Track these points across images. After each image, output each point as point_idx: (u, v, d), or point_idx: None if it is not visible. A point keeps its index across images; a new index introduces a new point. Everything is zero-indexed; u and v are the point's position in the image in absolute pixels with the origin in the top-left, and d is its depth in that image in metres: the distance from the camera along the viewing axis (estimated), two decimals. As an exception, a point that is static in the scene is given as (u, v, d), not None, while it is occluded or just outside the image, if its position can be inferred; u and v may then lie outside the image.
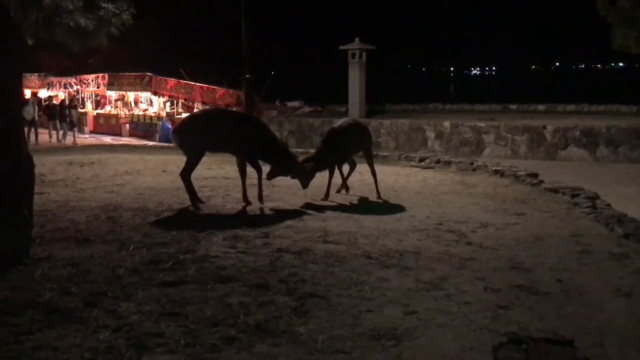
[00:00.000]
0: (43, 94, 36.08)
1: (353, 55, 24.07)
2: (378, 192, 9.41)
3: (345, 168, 9.86)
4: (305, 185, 8.97)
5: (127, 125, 30.81)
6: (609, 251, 6.30)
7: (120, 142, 23.99)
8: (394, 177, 11.41)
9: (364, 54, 24.15)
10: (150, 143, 24.06)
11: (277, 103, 31.02)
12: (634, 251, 6.22)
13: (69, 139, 24.56)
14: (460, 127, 20.38)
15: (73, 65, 35.58)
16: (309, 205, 8.50)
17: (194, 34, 39.97)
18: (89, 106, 33.20)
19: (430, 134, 20.98)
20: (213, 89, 28.21)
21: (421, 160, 13.76)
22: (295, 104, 30.37)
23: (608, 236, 6.92)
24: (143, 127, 30.00)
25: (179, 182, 9.96)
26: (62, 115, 25.89)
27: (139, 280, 5.03)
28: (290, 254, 5.92)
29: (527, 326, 4.41)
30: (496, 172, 11.62)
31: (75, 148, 19.82)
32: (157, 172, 11.85)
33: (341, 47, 24.51)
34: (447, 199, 9.29)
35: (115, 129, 30.29)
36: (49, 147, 21.33)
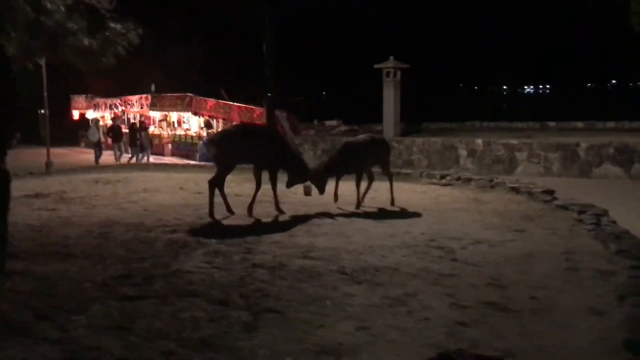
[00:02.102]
0: (90, 114, 37.03)
1: (387, 74, 24.02)
2: (392, 200, 10.16)
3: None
4: (321, 190, 9.84)
5: (170, 145, 31.38)
6: (597, 268, 6.10)
7: (161, 162, 24.48)
8: (408, 195, 11.29)
9: (399, 72, 24.08)
10: (192, 162, 24.50)
11: (316, 122, 31.18)
12: (622, 268, 6.00)
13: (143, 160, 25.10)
14: (492, 145, 20.09)
15: (118, 87, 36.39)
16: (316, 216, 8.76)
17: (234, 56, 40.53)
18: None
19: (463, 152, 20.73)
20: (251, 108, 28.46)
21: (442, 177, 13.60)
22: (333, 123, 30.47)
23: (602, 253, 6.70)
24: (185, 146, 30.50)
25: (190, 199, 10.15)
26: (133, 138, 26.57)
27: (101, 295, 5.08)
28: (264, 270, 5.90)
29: (480, 344, 4.29)
30: (513, 189, 11.40)
31: (111, 167, 20.18)
32: (175, 190, 12.00)
33: (376, 66, 24.49)
34: (452, 215, 9.15)
35: (158, 148, 30.84)
36: (90, 165, 21.71)
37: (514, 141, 19.83)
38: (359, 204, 9.87)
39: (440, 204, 10.22)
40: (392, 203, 10.12)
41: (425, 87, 38.73)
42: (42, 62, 19.74)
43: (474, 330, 4.55)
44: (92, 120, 32.40)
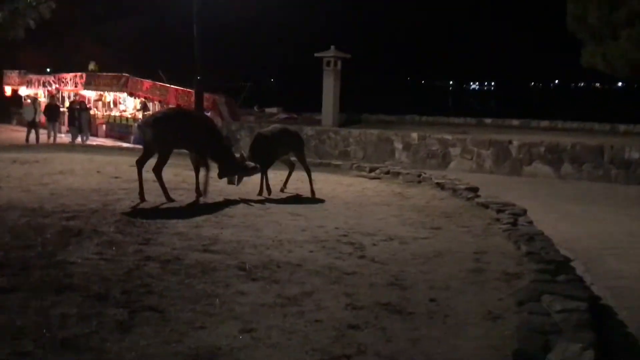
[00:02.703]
0: (23, 91, 35.79)
1: (328, 63, 23.77)
2: (312, 192, 10.02)
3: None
4: (238, 183, 9.67)
5: (104, 126, 30.53)
6: (504, 271, 5.96)
7: (93, 143, 23.76)
8: (333, 187, 11.08)
9: (339, 62, 23.85)
10: (124, 145, 23.80)
11: (256, 109, 30.75)
12: (529, 271, 5.86)
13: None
14: (427, 139, 20.08)
15: (53, 63, 35.25)
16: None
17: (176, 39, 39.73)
18: (66, 104, 32.82)
19: (398, 145, 20.68)
20: (188, 92, 27.84)
21: (371, 170, 13.41)
22: (273, 110, 30.10)
23: (512, 254, 6.57)
24: (119, 128, 29.70)
25: (104, 184, 9.74)
26: (72, 118, 25.62)
27: (-32, 285, 4.68)
28: (156, 263, 5.57)
29: (367, 349, 4.07)
30: (438, 184, 11.29)
31: (34, 147, 19.40)
32: (92, 173, 11.48)
33: (316, 55, 24.20)
34: (372, 210, 8.96)
35: (93, 129, 29.89)
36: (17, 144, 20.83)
37: (449, 136, 19.85)
38: (261, 191, 9.80)
39: (363, 198, 10.02)
40: (313, 195, 9.97)
41: (369, 79, 38.57)
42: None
43: (364, 334, 4.33)
44: (29, 97, 31.28)
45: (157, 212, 7.96)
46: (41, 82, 34.27)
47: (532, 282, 5.38)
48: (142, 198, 8.60)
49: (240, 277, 5.35)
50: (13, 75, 36.33)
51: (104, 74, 30.77)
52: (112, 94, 31.10)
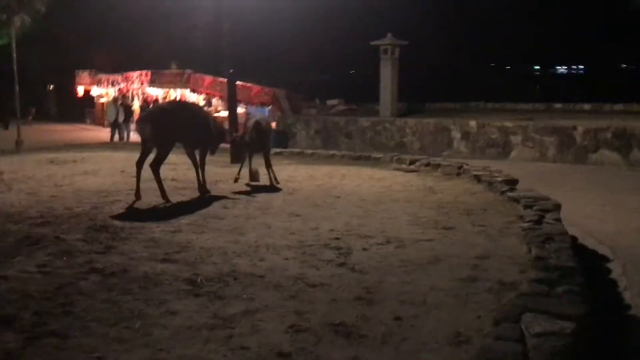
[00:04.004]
0: (95, 91, 36.48)
1: (385, 51, 22.92)
2: (271, 180, 9.94)
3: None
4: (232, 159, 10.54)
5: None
6: (500, 280, 5.12)
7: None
8: (359, 182, 10.38)
9: (397, 49, 22.96)
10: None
11: (317, 102, 30.14)
12: (527, 281, 5.00)
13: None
14: (487, 128, 18.95)
15: (125, 62, 35.65)
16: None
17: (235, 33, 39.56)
18: (135, 103, 33.13)
19: (456, 135, 19.64)
20: (249, 87, 27.56)
21: (411, 163, 12.60)
22: (334, 102, 29.39)
23: (519, 259, 5.70)
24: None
25: (119, 184, 9.46)
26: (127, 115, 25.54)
27: None
28: (98, 276, 5.03)
29: (282, 386, 3.38)
30: (475, 177, 10.39)
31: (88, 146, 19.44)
32: (115, 173, 11.19)
33: (372, 43, 23.39)
34: (387, 207, 8.20)
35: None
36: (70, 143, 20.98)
37: (509, 124, 18.67)
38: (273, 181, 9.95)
39: (385, 194, 9.26)
40: (273, 181, 9.97)
41: (439, 64, 37.25)
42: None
43: (291, 365, 3.64)
44: (111, 98, 31.64)
45: (141, 214, 7.47)
46: (110, 81, 34.76)
47: (519, 296, 4.53)
48: (138, 196, 8.23)
49: (182, 293, 4.73)
50: (84, 75, 37.04)
51: (168, 71, 30.88)
52: (177, 90, 31.16)
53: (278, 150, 15.90)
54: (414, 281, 5.14)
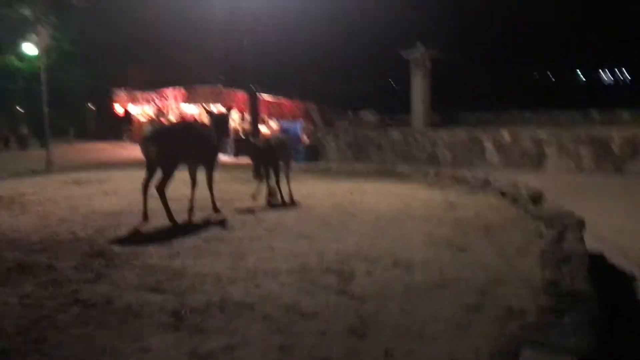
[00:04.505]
0: (131, 109, 36.83)
1: (416, 62, 22.59)
2: (284, 198, 9.85)
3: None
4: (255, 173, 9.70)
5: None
6: (509, 307, 4.75)
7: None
8: (378, 198, 10.10)
9: (428, 59, 22.61)
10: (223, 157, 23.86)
11: (350, 114, 29.92)
12: (539, 309, 4.61)
13: None
14: (520, 138, 18.40)
15: (158, 79, 35.95)
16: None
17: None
18: (171, 120, 33.36)
19: (489, 146, 19.14)
20: (279, 102, 27.53)
21: (436, 176, 12.23)
22: (367, 113, 29.13)
23: (532, 284, 5.30)
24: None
25: (129, 206, 9.29)
26: None
27: None
28: (79, 308, 4.78)
29: None
30: (500, 192, 9.98)
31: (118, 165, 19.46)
32: (134, 193, 10.94)
33: (402, 53, 23.09)
34: (403, 226, 7.86)
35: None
36: (100, 162, 21.05)
37: (543, 134, 18.09)
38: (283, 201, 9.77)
39: (403, 211, 8.91)
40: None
41: (476, 74, 36.54)
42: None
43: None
44: (147, 117, 31.78)
45: (144, 238, 7.25)
46: (145, 98, 35.06)
47: (523, 326, 4.16)
48: (145, 218, 8.06)
49: (163, 327, 4.46)
50: (121, 93, 37.45)
51: (201, 87, 30.98)
52: (211, 106, 31.20)
53: (304, 164, 15.69)
54: (415, 309, 4.80)
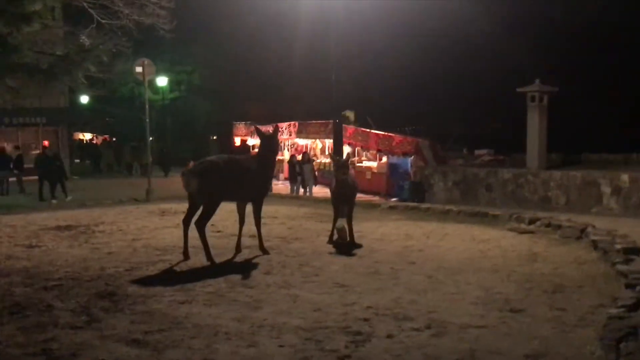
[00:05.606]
0: (251, 142, 37.41)
1: (532, 99, 21.25)
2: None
3: None
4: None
5: (316, 173, 30.42)
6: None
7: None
8: (454, 244, 9.19)
9: (545, 96, 21.21)
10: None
11: (465, 151, 28.68)
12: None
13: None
14: (641, 182, 16.68)
15: (280, 113, 36.35)
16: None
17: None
18: (285, 154, 33.45)
19: (606, 190, 17.48)
20: (390, 136, 26.83)
21: (531, 222, 11.05)
22: (483, 152, 27.78)
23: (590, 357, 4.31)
24: (328, 175, 29.37)
25: (193, 241, 8.88)
26: (293, 172, 24.08)
27: None
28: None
29: None
30: (593, 243, 8.77)
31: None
32: (209, 227, 10.72)
33: (519, 90, 21.80)
34: (462, 279, 6.93)
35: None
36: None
37: (668, 178, 16.30)
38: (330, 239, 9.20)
39: (475, 260, 7.96)
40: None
41: (596, 112, 34.18)
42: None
43: None
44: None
45: (168, 278, 6.78)
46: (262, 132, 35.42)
47: None
48: (187, 256, 7.67)
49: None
50: (241, 126, 38.16)
51: (313, 121, 30.88)
52: (328, 141, 31.02)
53: (392, 203, 14.88)
54: (419, 390, 3.96)
